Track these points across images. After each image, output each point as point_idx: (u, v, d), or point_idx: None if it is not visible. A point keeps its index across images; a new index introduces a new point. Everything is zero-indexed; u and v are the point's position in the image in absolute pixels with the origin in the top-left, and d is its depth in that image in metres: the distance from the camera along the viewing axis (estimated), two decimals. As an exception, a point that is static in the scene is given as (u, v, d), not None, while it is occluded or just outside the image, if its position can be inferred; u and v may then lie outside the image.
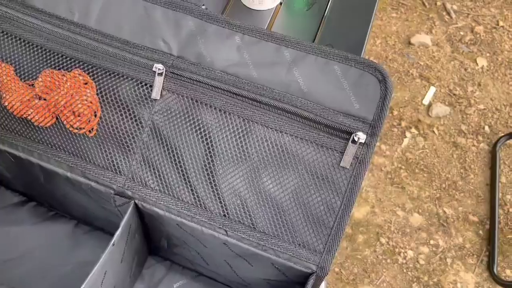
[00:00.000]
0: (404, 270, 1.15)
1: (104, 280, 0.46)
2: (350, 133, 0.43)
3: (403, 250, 1.17)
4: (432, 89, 1.42)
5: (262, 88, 0.45)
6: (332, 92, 0.44)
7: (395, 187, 1.26)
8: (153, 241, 0.58)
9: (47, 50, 0.50)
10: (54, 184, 0.55)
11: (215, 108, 0.47)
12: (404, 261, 1.16)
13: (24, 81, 0.50)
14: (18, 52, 0.51)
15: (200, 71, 0.47)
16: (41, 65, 0.50)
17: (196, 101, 0.47)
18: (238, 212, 0.46)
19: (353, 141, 0.43)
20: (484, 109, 1.40)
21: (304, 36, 0.67)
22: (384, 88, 0.43)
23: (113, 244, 0.46)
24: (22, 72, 0.51)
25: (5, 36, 0.51)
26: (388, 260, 1.16)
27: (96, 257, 0.52)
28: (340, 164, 0.44)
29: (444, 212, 1.23)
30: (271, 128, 0.45)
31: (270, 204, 0.46)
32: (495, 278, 1.14)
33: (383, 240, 1.18)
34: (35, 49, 0.51)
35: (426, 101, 1.41)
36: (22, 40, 0.51)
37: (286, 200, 0.45)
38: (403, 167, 1.30)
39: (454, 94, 1.41)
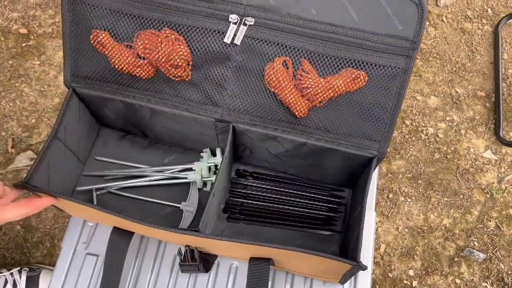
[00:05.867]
0: (427, 144, 1.23)
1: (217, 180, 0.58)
2: (397, 51, 0.52)
3: (424, 128, 1.24)
4: (438, -21, 1.40)
5: (320, 23, 0.53)
6: (380, 20, 0.52)
7: (413, 76, 1.30)
8: (238, 151, 0.68)
9: (136, 16, 0.56)
10: (157, 120, 0.64)
11: (285, 46, 0.54)
12: (426, 137, 1.23)
13: (121, 42, 0.57)
14: (111, 20, 0.57)
15: (268, 15, 0.54)
16: (133, 29, 0.57)
17: (268, 41, 0.55)
18: (315, 120, 0.57)
19: (400, 55, 0.52)
20: (487, -8, 1.40)
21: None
22: (421, 10, 0.51)
23: (226, 157, 0.58)
24: (117, 36, 0.57)
25: (94, 8, 0.56)
26: (413, 138, 1.23)
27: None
28: (391, 75, 0.53)
29: (456, 92, 1.29)
30: (331, 56, 0.54)
31: (339, 112, 0.56)
32: (501, 140, 1.23)
33: (407, 122, 1.25)
34: (126, 16, 0.56)
35: (433, -8, 1.40)
36: (112, 10, 0.56)
37: (352, 107, 0.56)
38: (418, 57, 1.32)
39: (458, -19, 1.40)
